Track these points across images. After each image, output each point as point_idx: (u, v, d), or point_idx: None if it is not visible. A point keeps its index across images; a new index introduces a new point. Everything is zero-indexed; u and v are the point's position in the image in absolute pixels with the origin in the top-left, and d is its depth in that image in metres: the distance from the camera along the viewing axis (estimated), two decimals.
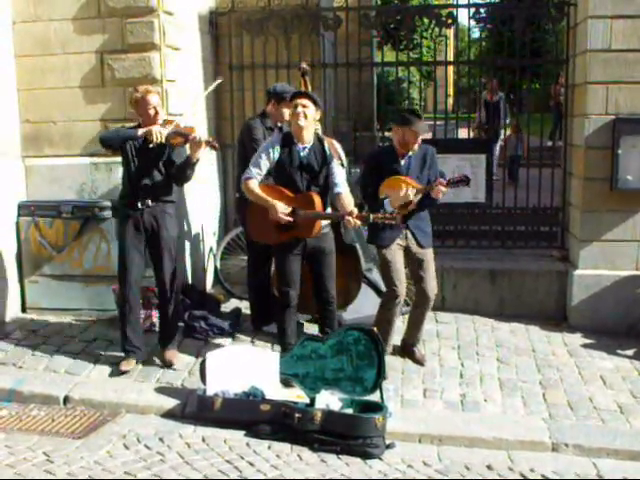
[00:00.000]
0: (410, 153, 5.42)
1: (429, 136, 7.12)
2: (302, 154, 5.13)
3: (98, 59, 6.41)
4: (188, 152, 5.24)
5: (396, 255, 5.44)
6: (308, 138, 5.15)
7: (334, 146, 5.40)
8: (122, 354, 5.54)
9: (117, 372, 5.40)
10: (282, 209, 5.02)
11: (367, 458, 4.42)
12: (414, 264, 5.57)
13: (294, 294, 5.32)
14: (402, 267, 5.50)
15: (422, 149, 5.49)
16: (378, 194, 5.35)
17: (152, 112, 5.30)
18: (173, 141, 5.25)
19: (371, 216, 4.87)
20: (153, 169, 5.35)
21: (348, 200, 5.14)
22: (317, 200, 5.08)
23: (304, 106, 5.04)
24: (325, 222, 5.24)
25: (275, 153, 5.12)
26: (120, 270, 5.46)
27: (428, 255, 5.57)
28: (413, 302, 5.82)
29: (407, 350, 5.76)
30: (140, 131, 5.28)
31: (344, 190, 5.17)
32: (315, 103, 5.11)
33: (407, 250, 5.52)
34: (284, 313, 5.38)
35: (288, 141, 5.15)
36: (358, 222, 4.89)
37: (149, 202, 5.36)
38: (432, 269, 5.60)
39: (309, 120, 5.07)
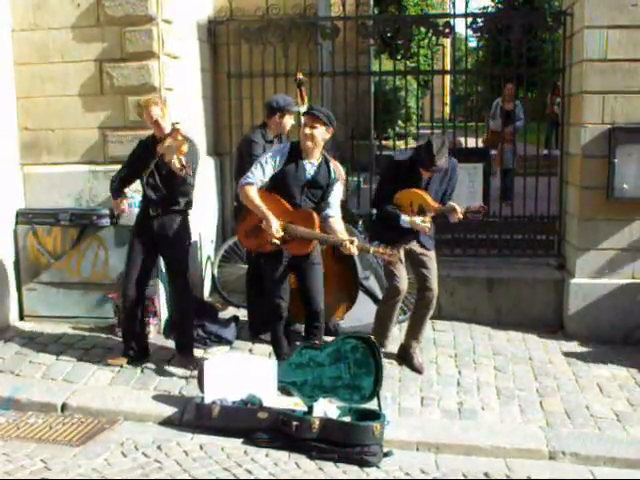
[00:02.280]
0: None
1: None
2: (309, 171, 5.05)
3: (97, 67, 6.42)
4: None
5: (400, 254, 5.48)
6: (317, 155, 5.08)
7: (339, 169, 5.42)
8: (119, 363, 5.61)
9: (105, 364, 5.61)
10: (275, 227, 4.91)
11: (365, 466, 4.42)
12: (417, 264, 5.62)
13: (284, 305, 5.26)
14: (404, 269, 5.59)
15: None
16: (392, 202, 5.41)
17: (155, 128, 5.39)
18: (166, 159, 5.26)
19: (372, 249, 4.88)
20: (160, 180, 5.43)
21: (338, 226, 5.06)
22: (317, 220, 5.00)
23: (312, 127, 4.95)
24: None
25: (281, 163, 5.03)
26: (125, 272, 5.62)
27: (432, 256, 5.63)
28: (415, 305, 5.85)
29: (406, 356, 5.78)
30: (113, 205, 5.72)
31: (336, 214, 5.11)
32: (325, 123, 4.98)
33: (410, 252, 5.56)
34: (276, 324, 5.35)
35: (296, 154, 5.05)
36: (356, 251, 4.87)
37: (159, 210, 5.47)
38: (435, 270, 5.65)
39: (316, 141, 4.99)
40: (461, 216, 5.32)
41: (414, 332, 5.77)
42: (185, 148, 5.25)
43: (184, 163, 5.19)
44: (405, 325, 6.33)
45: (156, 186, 5.44)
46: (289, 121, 6.02)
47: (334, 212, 5.11)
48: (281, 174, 5.03)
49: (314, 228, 4.99)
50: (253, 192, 5.03)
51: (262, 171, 5.04)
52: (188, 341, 5.77)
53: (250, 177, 5.05)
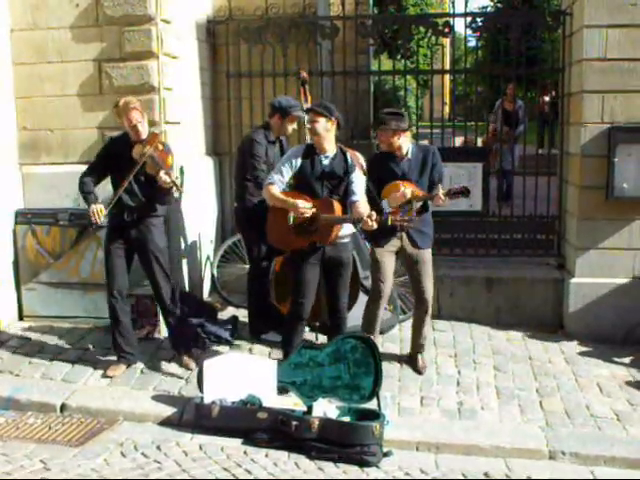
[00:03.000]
0: (408, 155, 5.44)
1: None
2: (324, 163, 5.11)
3: (96, 67, 6.41)
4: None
5: (386, 256, 5.52)
6: (329, 147, 5.13)
7: (357, 156, 5.42)
8: (121, 372, 5.56)
9: (104, 376, 5.49)
10: (303, 204, 5.00)
11: (364, 466, 4.42)
12: (410, 264, 5.60)
13: (308, 306, 5.26)
14: (390, 268, 5.58)
15: (421, 150, 5.54)
16: (378, 199, 5.38)
17: (133, 132, 5.30)
18: (148, 169, 5.25)
19: (390, 218, 4.90)
20: (138, 186, 5.35)
21: (364, 208, 5.10)
22: (337, 205, 5.05)
23: (313, 122, 5.06)
24: (346, 232, 5.19)
25: (297, 162, 5.11)
26: (107, 279, 5.54)
27: (425, 256, 5.57)
28: (413, 309, 5.84)
29: (410, 360, 5.79)
30: (90, 208, 5.34)
31: (361, 199, 5.14)
32: (325, 115, 5.05)
33: (402, 251, 5.54)
34: (294, 324, 5.33)
35: (311, 151, 5.16)
36: (375, 225, 4.87)
37: (135, 216, 5.39)
38: (429, 271, 5.60)
39: (320, 134, 5.05)
40: (443, 199, 5.24)
41: (416, 339, 5.76)
42: (170, 160, 5.22)
43: (174, 179, 5.17)
44: (405, 324, 6.35)
45: (133, 192, 5.36)
46: (289, 125, 6.01)
47: (358, 197, 5.14)
48: (299, 172, 5.13)
49: (334, 213, 5.05)
50: (275, 189, 5.13)
51: (280, 173, 5.14)
52: (185, 341, 5.76)
53: (271, 178, 5.18)
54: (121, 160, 5.31)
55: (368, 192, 5.39)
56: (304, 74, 6.14)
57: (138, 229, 5.43)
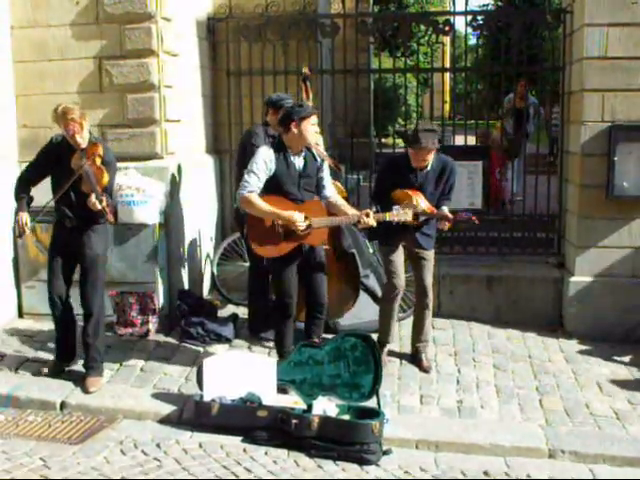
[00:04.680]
0: (427, 167, 5.44)
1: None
2: (298, 163, 5.10)
3: (96, 65, 6.40)
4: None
5: (395, 251, 5.57)
6: (301, 147, 5.13)
7: (318, 149, 5.42)
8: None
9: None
10: (299, 217, 4.94)
11: (364, 464, 4.42)
12: (414, 260, 5.67)
13: (294, 304, 5.30)
14: (401, 262, 5.62)
15: (440, 161, 5.51)
16: (388, 198, 5.38)
17: (72, 141, 5.08)
18: (82, 185, 5.05)
19: (387, 215, 4.90)
20: (75, 195, 5.14)
21: (340, 201, 5.20)
22: (322, 206, 5.10)
23: (316, 124, 5.11)
24: None
25: (272, 164, 5.00)
26: (48, 287, 5.33)
27: (429, 255, 5.64)
28: (414, 306, 5.86)
29: (415, 358, 5.80)
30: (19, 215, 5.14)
31: (333, 193, 5.26)
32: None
33: (408, 250, 5.62)
34: (284, 323, 5.35)
35: (282, 150, 5.06)
36: (373, 222, 4.89)
37: (75, 223, 5.20)
38: (431, 267, 5.67)
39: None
40: (448, 225, 5.41)
41: (417, 333, 5.79)
42: (106, 179, 5.03)
43: (105, 205, 4.97)
44: (404, 322, 6.35)
45: (71, 204, 5.15)
46: None
47: (329, 191, 5.23)
48: (275, 175, 5.02)
49: (324, 215, 5.07)
50: (257, 199, 4.96)
51: (257, 177, 4.98)
52: (98, 358, 5.41)
53: (247, 186, 4.96)
54: (60, 164, 5.09)
55: (380, 192, 5.44)
56: (306, 70, 6.15)
57: (77, 235, 5.20)
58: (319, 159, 5.22)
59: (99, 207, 4.95)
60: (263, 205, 4.94)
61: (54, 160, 5.19)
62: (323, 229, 5.13)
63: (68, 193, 5.12)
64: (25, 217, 5.16)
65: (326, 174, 5.26)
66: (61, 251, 5.32)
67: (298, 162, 5.10)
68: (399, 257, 5.61)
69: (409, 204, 5.24)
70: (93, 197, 4.95)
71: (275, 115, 5.93)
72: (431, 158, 5.40)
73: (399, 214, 5.05)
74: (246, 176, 5.01)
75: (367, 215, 4.91)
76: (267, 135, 5.96)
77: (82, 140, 5.07)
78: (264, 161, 4.98)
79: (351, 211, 5.13)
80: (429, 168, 5.45)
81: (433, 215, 5.40)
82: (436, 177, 5.48)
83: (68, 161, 5.09)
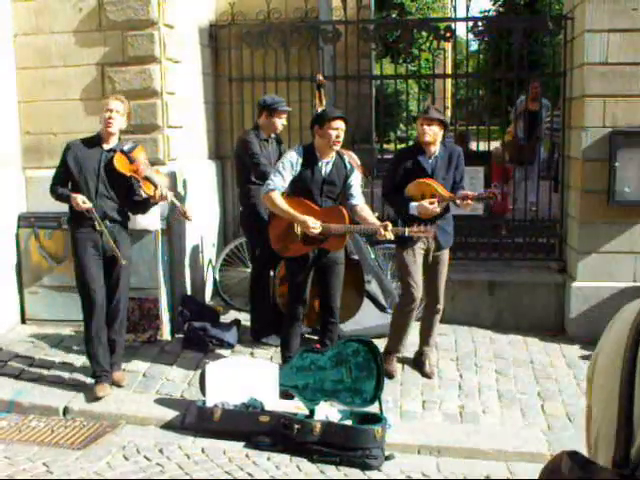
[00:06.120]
0: (435, 152, 5.43)
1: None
2: (325, 169, 5.13)
3: (99, 71, 6.44)
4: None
5: (416, 258, 5.44)
6: (332, 154, 5.16)
7: (353, 158, 5.45)
8: (108, 392, 5.28)
9: (92, 398, 5.19)
10: (313, 223, 4.96)
11: (366, 469, 4.43)
12: (428, 265, 5.54)
13: (303, 308, 5.33)
14: (420, 270, 5.48)
15: (448, 149, 5.54)
16: (402, 193, 5.37)
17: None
18: (144, 186, 5.18)
19: (407, 230, 4.90)
20: (114, 194, 5.22)
21: (367, 212, 5.20)
22: (346, 214, 5.10)
23: (339, 129, 5.03)
24: None
25: (298, 166, 5.07)
26: (84, 291, 5.22)
27: (445, 256, 5.60)
28: (423, 310, 5.83)
29: (419, 362, 5.79)
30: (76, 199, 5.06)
31: (361, 202, 5.24)
32: (347, 122, 5.16)
33: (426, 252, 5.50)
34: (292, 326, 5.37)
35: (310, 155, 5.12)
36: (391, 236, 4.90)
37: (107, 223, 5.18)
38: (445, 272, 5.64)
39: (341, 142, 5.11)
40: (472, 202, 5.33)
41: (424, 337, 5.78)
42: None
43: (176, 205, 5.32)
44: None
45: (111, 208, 5.23)
46: (278, 120, 6.05)
47: (358, 200, 5.23)
48: (299, 178, 5.09)
49: (345, 222, 5.06)
50: (278, 198, 5.05)
51: (281, 177, 5.06)
52: (122, 352, 5.53)
53: (271, 184, 5.06)
54: (87, 166, 5.18)
55: (394, 188, 5.44)
56: (320, 78, 6.19)
57: (110, 237, 5.16)
58: (349, 166, 5.23)
59: (171, 199, 5.20)
60: (282, 204, 5.04)
61: (77, 164, 5.24)
62: (341, 236, 5.13)
63: (103, 194, 5.20)
64: (80, 197, 5.06)
65: (355, 182, 5.23)
66: (94, 256, 5.19)
67: (325, 168, 5.13)
68: (418, 265, 5.45)
69: (425, 210, 5.23)
70: (170, 195, 5.19)
71: (268, 118, 5.97)
72: (435, 135, 5.37)
73: (419, 230, 4.96)
74: (272, 175, 5.14)
75: (385, 228, 4.87)
76: (260, 140, 5.98)
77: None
78: (290, 162, 5.08)
79: (372, 221, 5.09)
80: (437, 154, 5.43)
81: (453, 198, 5.35)
82: (446, 164, 5.48)
83: (96, 160, 5.22)
